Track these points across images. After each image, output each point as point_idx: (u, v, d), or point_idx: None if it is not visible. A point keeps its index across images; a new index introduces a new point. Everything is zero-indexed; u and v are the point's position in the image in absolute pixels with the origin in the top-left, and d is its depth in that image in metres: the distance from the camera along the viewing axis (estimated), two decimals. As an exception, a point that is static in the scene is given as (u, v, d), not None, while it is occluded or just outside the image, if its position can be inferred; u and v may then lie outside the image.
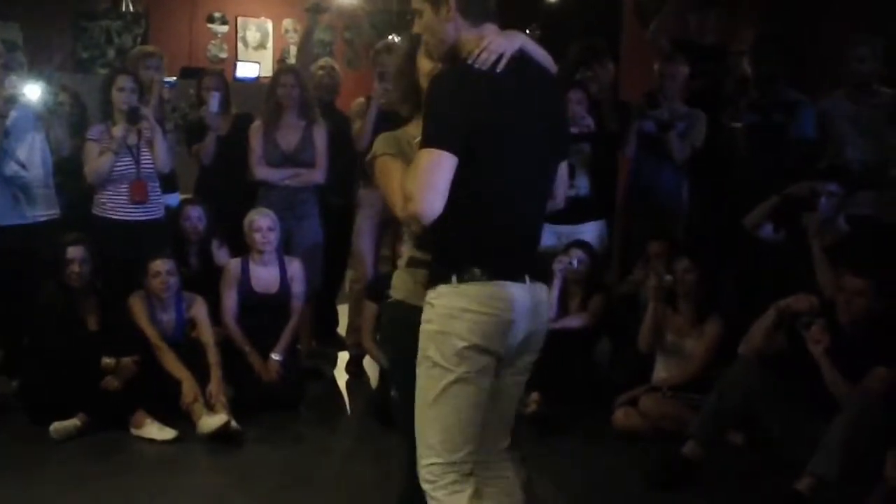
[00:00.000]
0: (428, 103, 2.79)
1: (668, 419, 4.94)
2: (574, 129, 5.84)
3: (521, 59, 2.86)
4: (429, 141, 2.71)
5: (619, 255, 6.34)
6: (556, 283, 5.62)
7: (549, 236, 5.94)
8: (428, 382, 2.82)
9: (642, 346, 5.31)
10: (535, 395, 5.26)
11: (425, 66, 3.10)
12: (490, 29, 2.88)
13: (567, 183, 3.24)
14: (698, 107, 5.94)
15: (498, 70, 2.78)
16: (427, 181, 2.68)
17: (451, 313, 2.76)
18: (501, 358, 2.85)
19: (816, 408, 4.37)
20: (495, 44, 2.81)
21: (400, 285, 3.15)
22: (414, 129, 3.02)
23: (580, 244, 5.72)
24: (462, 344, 2.75)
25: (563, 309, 5.68)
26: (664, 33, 6.16)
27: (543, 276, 2.97)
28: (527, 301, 2.83)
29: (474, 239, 2.80)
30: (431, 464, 2.82)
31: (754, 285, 5.47)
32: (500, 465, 3.04)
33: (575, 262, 5.62)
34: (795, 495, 4.09)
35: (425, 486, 2.84)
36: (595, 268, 5.75)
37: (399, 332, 3.06)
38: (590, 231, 5.92)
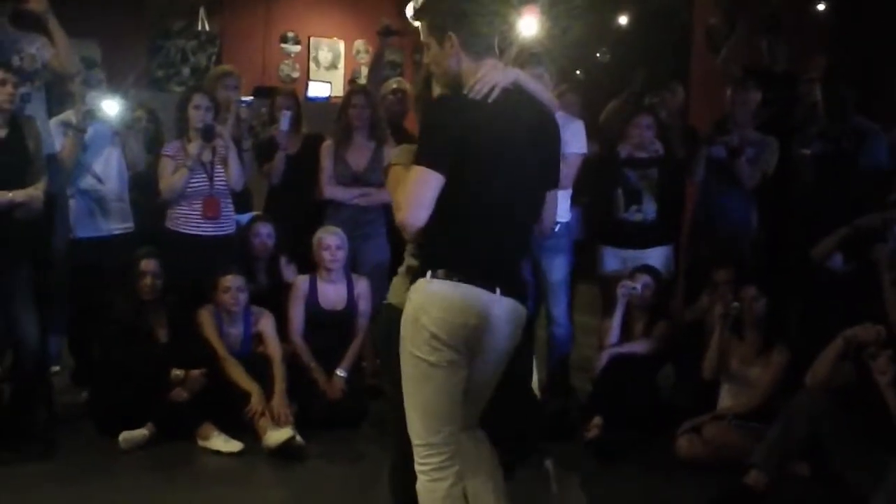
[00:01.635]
0: (422, 126, 3.16)
1: (732, 448, 4.88)
2: (642, 154, 5.87)
3: (515, 92, 3.14)
4: (419, 159, 3.02)
5: (684, 281, 6.30)
6: (619, 306, 5.62)
7: (615, 260, 5.96)
8: (408, 370, 3.13)
9: (706, 374, 5.28)
10: (597, 420, 5.26)
11: (437, 92, 3.38)
12: (489, 63, 3.14)
13: (556, 211, 3.43)
14: (769, 134, 5.90)
15: (489, 100, 3.05)
16: (414, 195, 3.00)
17: (423, 306, 3.06)
18: (466, 354, 3.10)
19: (883, 441, 4.31)
20: (489, 76, 3.08)
21: (395, 290, 3.48)
22: None
23: (646, 269, 5.71)
24: (428, 334, 3.04)
25: (626, 334, 5.67)
26: (735, 60, 6.15)
27: (519, 295, 3.19)
28: (492, 308, 3.09)
29: (453, 247, 3.10)
30: (417, 444, 3.15)
31: (822, 315, 5.40)
32: (472, 439, 3.28)
33: (639, 287, 5.61)
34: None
35: (416, 469, 3.16)
36: (660, 293, 5.73)
37: (390, 334, 3.27)
38: (656, 256, 5.90)
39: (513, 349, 3.27)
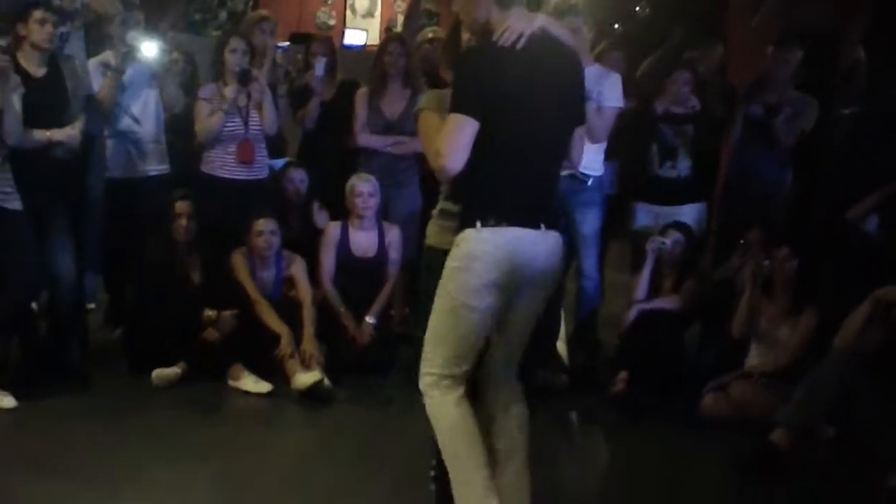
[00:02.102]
0: (454, 75, 3.28)
1: (758, 407, 4.88)
2: (679, 110, 5.83)
3: (542, 38, 3.26)
4: (455, 108, 3.17)
5: (715, 240, 6.28)
6: (648, 262, 5.62)
7: (647, 216, 5.95)
8: (442, 309, 3.29)
9: (735, 332, 5.27)
10: (623, 374, 5.28)
11: (465, 39, 3.56)
12: (516, 12, 3.26)
13: (583, 146, 3.55)
14: (808, 93, 5.85)
15: (518, 47, 3.18)
16: (451, 141, 3.15)
17: (473, 254, 3.20)
18: (512, 289, 3.27)
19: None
20: (517, 25, 3.21)
21: (432, 233, 3.76)
22: None
23: (677, 226, 5.69)
24: (479, 281, 3.20)
25: (655, 290, 5.67)
26: (766, 29, 6.05)
27: (557, 225, 3.38)
28: (538, 244, 3.28)
29: (495, 192, 3.24)
30: (432, 373, 3.32)
31: (854, 278, 5.37)
32: (512, 387, 3.51)
33: (669, 243, 5.59)
34: (888, 493, 4.04)
35: (422, 388, 3.35)
36: (691, 250, 5.71)
37: (433, 273, 3.44)
38: (688, 213, 5.88)
39: (556, 282, 3.50)
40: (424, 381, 3.35)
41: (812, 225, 5.84)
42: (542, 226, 3.29)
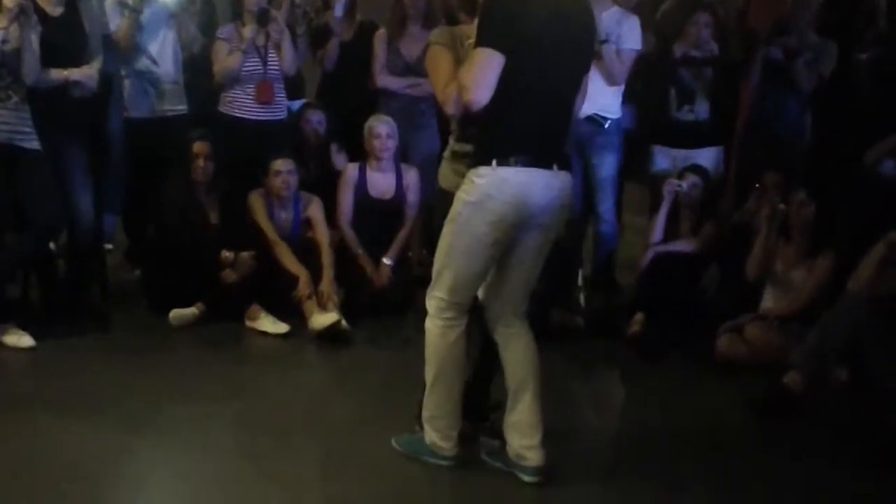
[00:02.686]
0: (483, 11, 3.29)
1: (773, 349, 4.90)
2: (697, 53, 5.79)
3: None
4: (483, 42, 3.23)
5: (734, 183, 6.26)
6: (665, 205, 5.62)
7: (665, 159, 5.94)
8: (454, 239, 3.43)
9: (750, 275, 5.28)
10: (639, 316, 5.30)
11: None
12: None
13: (586, 94, 3.63)
14: (829, 37, 5.79)
15: None
16: (480, 75, 3.23)
17: (488, 192, 3.32)
18: (522, 227, 3.40)
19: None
20: None
21: (443, 176, 3.77)
22: (468, 30, 3.51)
23: (695, 169, 5.68)
24: (491, 217, 3.33)
25: (673, 233, 5.67)
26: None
27: (568, 166, 3.51)
28: (551, 184, 3.39)
29: (511, 132, 3.34)
30: (439, 297, 3.53)
31: (871, 222, 5.35)
32: (520, 324, 3.63)
33: (686, 186, 5.58)
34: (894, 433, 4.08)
35: (431, 312, 3.58)
36: (709, 194, 5.70)
37: (444, 217, 3.54)
38: (706, 156, 5.86)
39: (564, 220, 3.61)
40: (430, 304, 3.56)
41: (831, 169, 5.81)
42: (555, 166, 3.41)
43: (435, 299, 3.55)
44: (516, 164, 3.31)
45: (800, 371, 4.50)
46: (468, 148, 3.52)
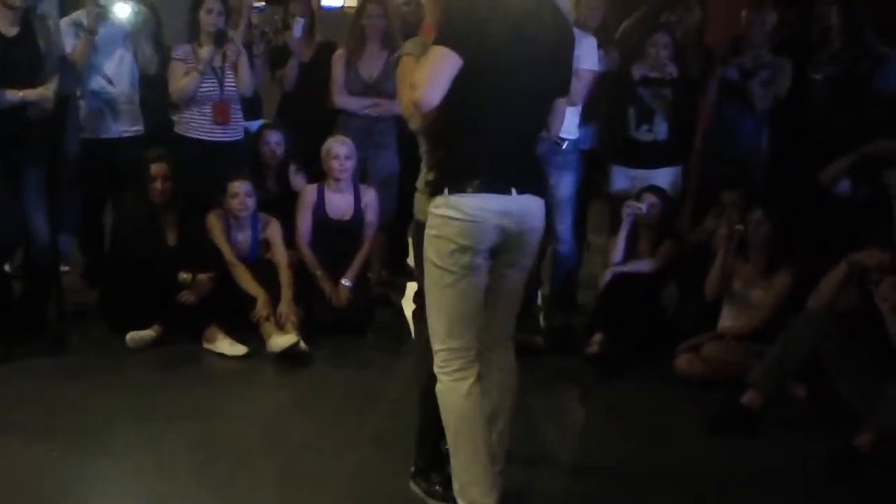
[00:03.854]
0: (444, 11, 3.15)
1: (731, 367, 4.92)
2: (656, 74, 5.82)
3: None
4: (440, 40, 3.05)
5: (692, 202, 6.30)
6: (624, 227, 5.64)
7: (623, 179, 5.96)
8: (430, 280, 3.26)
9: (709, 294, 5.30)
10: (598, 336, 5.31)
11: None
12: None
13: (563, 119, 3.52)
14: (784, 55, 5.85)
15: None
16: (432, 73, 3.02)
17: (444, 221, 3.17)
18: (490, 256, 3.24)
19: (883, 365, 4.35)
20: None
21: (419, 207, 3.53)
22: None
23: (653, 189, 5.70)
24: (453, 246, 3.16)
25: (632, 252, 5.69)
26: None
27: (535, 189, 3.29)
28: (510, 209, 3.20)
29: (466, 157, 3.19)
30: (439, 349, 3.29)
31: (829, 240, 5.40)
32: (503, 352, 3.47)
33: (644, 207, 5.61)
34: (853, 451, 4.09)
35: (437, 372, 3.31)
36: (667, 213, 5.73)
37: (420, 248, 3.40)
38: (664, 176, 5.88)
39: (537, 244, 3.42)
40: (435, 360, 3.31)
41: (788, 187, 5.86)
42: (514, 190, 3.20)
43: (436, 354, 3.30)
44: (468, 190, 3.14)
45: (758, 388, 4.53)
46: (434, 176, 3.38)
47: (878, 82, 5.45)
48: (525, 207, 3.26)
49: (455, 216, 3.14)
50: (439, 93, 3.02)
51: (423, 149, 3.51)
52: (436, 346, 3.29)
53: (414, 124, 3.34)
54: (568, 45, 3.34)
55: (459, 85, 3.03)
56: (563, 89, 3.39)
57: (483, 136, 3.18)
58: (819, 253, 5.34)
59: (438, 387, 3.31)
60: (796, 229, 5.47)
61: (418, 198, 3.57)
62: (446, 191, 3.16)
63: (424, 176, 3.50)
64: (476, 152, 3.19)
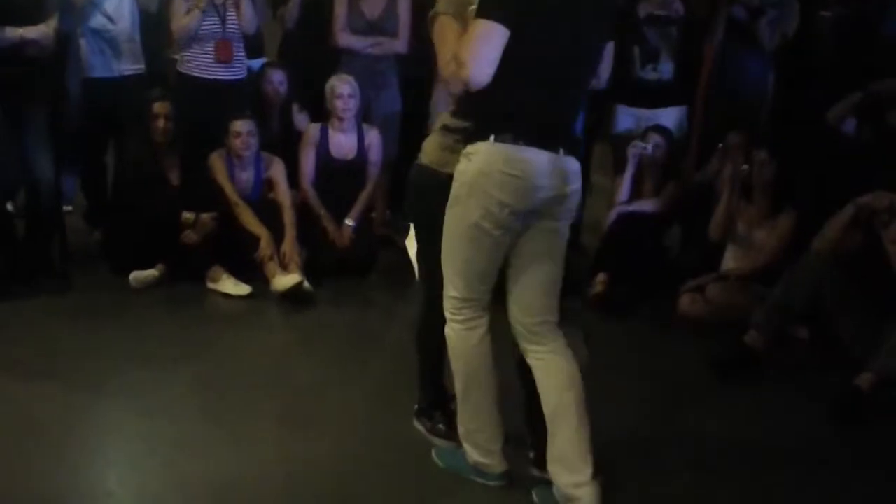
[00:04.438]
0: None
1: (734, 308, 4.94)
2: (662, 13, 5.77)
3: None
4: (483, 12, 2.86)
5: (697, 143, 6.26)
6: (630, 167, 5.62)
7: (628, 119, 5.93)
8: (455, 226, 3.09)
9: (713, 235, 5.30)
10: (601, 276, 5.31)
11: None
12: None
13: (611, 65, 3.37)
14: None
15: None
16: (479, 50, 2.85)
17: (484, 169, 2.98)
18: (527, 214, 3.05)
19: (885, 307, 4.36)
20: None
21: (429, 150, 3.39)
22: None
23: (658, 129, 5.68)
24: (489, 200, 2.98)
25: (636, 192, 5.68)
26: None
27: (576, 152, 3.12)
28: (555, 168, 3.02)
29: (515, 106, 2.98)
30: (452, 297, 3.18)
31: (833, 181, 5.38)
32: (553, 341, 3.21)
33: (650, 148, 5.59)
34: (855, 391, 4.11)
35: (447, 316, 3.22)
36: (672, 154, 5.72)
37: (423, 194, 3.35)
38: (669, 116, 5.86)
39: (574, 209, 3.18)
40: (446, 306, 3.21)
41: (794, 128, 5.82)
42: (561, 150, 3.03)
43: (448, 300, 3.19)
44: (517, 141, 2.95)
45: (761, 329, 4.54)
46: (465, 124, 3.17)
47: (884, 26, 5.40)
48: (570, 169, 3.08)
49: (500, 167, 2.96)
50: (489, 71, 2.85)
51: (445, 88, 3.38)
52: (449, 292, 3.19)
53: (453, 87, 3.10)
54: None
55: (508, 41, 2.87)
56: (609, 33, 3.21)
57: (534, 88, 2.99)
58: (823, 194, 5.33)
59: (449, 333, 3.24)
60: (801, 171, 5.45)
61: (430, 141, 3.40)
62: (492, 137, 2.97)
63: (443, 119, 3.37)
64: (524, 103, 2.99)
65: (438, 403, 3.68)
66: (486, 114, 3.03)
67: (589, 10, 3.04)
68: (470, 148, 3.03)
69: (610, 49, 3.27)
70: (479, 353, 3.21)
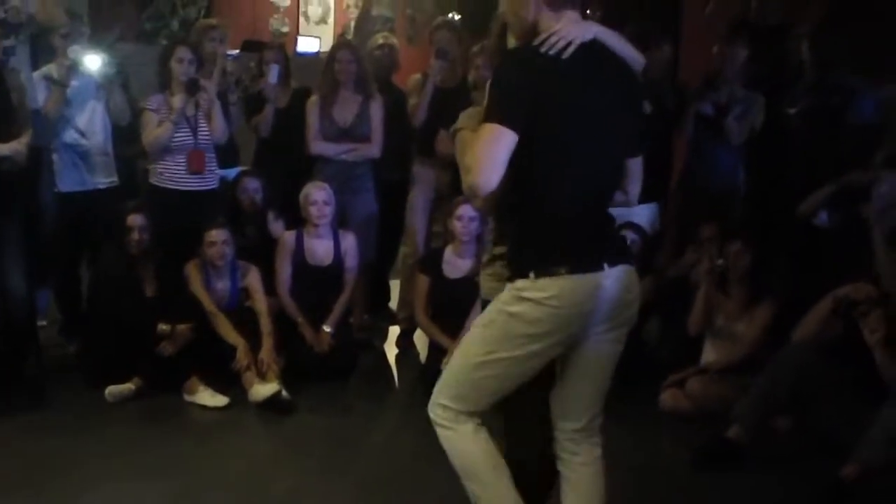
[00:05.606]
0: (493, 80, 2.83)
1: (715, 401, 4.91)
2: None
3: (594, 49, 2.87)
4: (490, 116, 2.75)
5: (671, 237, 6.31)
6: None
7: (601, 216, 5.94)
8: (482, 345, 2.95)
9: (692, 330, 5.29)
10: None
11: (511, 45, 3.16)
12: (569, 16, 2.88)
13: (640, 179, 3.16)
14: (758, 90, 5.88)
15: (565, 56, 2.79)
16: (485, 154, 2.72)
17: (528, 303, 2.84)
18: (574, 339, 2.93)
19: (867, 396, 4.35)
20: (566, 30, 2.82)
21: (487, 286, 3.25)
22: None
23: (631, 226, 5.70)
24: (530, 330, 2.85)
25: (613, 290, 5.67)
26: (721, 15, 6.09)
27: (623, 258, 2.96)
28: (603, 285, 2.86)
29: (546, 234, 2.88)
30: (448, 406, 3.02)
31: (809, 271, 5.42)
32: (589, 448, 3.15)
33: (627, 245, 5.61)
34: (839, 482, 4.08)
35: (433, 418, 3.05)
36: (646, 249, 5.73)
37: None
38: (641, 213, 5.88)
39: (635, 315, 3.05)
40: (435, 412, 3.06)
41: (766, 219, 5.87)
42: (605, 266, 2.87)
43: (440, 407, 3.03)
44: (558, 273, 2.81)
45: (743, 423, 4.51)
46: (504, 250, 3.10)
47: (851, 115, 5.48)
48: (621, 277, 2.91)
49: (543, 301, 2.82)
50: (496, 175, 2.71)
51: (489, 226, 3.29)
52: (445, 401, 3.03)
53: (477, 204, 3.06)
54: (636, 98, 3.09)
55: (521, 156, 2.74)
56: (636, 146, 3.05)
57: (560, 211, 2.87)
58: (799, 284, 5.36)
59: (441, 435, 3.06)
60: (775, 261, 5.48)
61: (484, 277, 3.30)
62: (532, 274, 2.84)
63: (491, 250, 3.26)
64: (556, 228, 2.88)
65: None
66: (520, 248, 2.94)
67: (609, 121, 2.90)
68: (513, 286, 2.90)
69: (638, 163, 3.09)
70: (479, 442, 3.03)
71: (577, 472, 3.11)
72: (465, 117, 3.24)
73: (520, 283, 2.86)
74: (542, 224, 2.88)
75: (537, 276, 2.83)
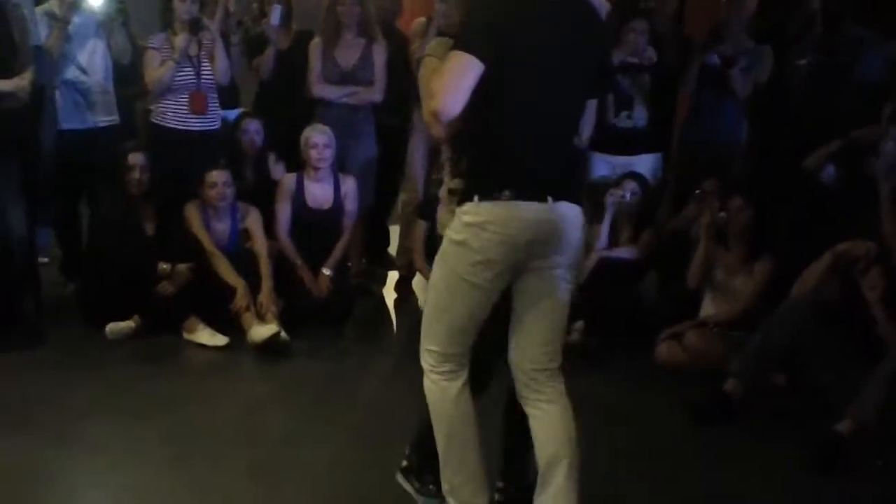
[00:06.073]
0: (464, 13, 2.97)
1: (712, 355, 4.92)
2: (635, 60, 5.81)
3: None
4: (459, 45, 2.85)
5: (672, 190, 6.29)
6: (608, 215, 5.62)
7: (603, 166, 5.95)
8: (442, 283, 3.06)
9: (691, 284, 5.29)
10: (579, 324, 5.28)
11: None
12: None
13: (593, 122, 3.33)
14: (764, 43, 5.84)
15: None
16: (451, 82, 2.82)
17: (471, 229, 2.95)
18: (516, 265, 3.00)
19: (864, 354, 4.35)
20: None
21: (444, 220, 3.31)
22: None
23: (634, 176, 5.70)
24: (477, 257, 2.95)
25: (612, 240, 5.68)
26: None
27: (570, 196, 3.03)
28: (544, 218, 2.96)
29: (496, 162, 2.98)
30: (432, 350, 3.11)
31: (810, 227, 5.40)
32: (551, 389, 3.16)
33: (627, 195, 5.60)
34: (834, 438, 4.09)
35: (424, 367, 3.14)
36: (647, 201, 5.73)
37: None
38: (644, 163, 5.89)
39: (578, 254, 3.12)
40: (424, 359, 3.15)
41: (769, 174, 5.85)
42: (549, 198, 2.96)
43: (428, 353, 3.12)
44: (501, 198, 2.91)
45: (740, 378, 4.52)
46: (459, 184, 3.14)
47: (859, 70, 5.44)
48: (562, 213, 3.00)
49: (484, 226, 2.93)
50: (459, 102, 2.81)
51: (445, 155, 3.32)
52: (429, 346, 3.12)
53: (435, 132, 3.07)
54: (599, 39, 3.13)
55: (483, 88, 2.83)
56: (595, 89, 3.18)
57: (512, 141, 2.96)
58: (800, 240, 5.35)
59: (427, 385, 3.15)
60: (776, 217, 5.46)
61: (442, 210, 3.39)
62: (476, 197, 2.94)
63: (447, 184, 3.30)
64: (506, 157, 2.97)
65: (430, 463, 3.42)
66: (470, 172, 3.03)
67: (574, 61, 2.99)
68: (459, 210, 3.01)
69: (593, 105, 3.23)
70: (461, 406, 3.12)
71: (543, 409, 3.15)
72: (433, 45, 3.31)
73: (465, 206, 2.97)
74: (495, 153, 2.98)
75: (481, 198, 2.93)
